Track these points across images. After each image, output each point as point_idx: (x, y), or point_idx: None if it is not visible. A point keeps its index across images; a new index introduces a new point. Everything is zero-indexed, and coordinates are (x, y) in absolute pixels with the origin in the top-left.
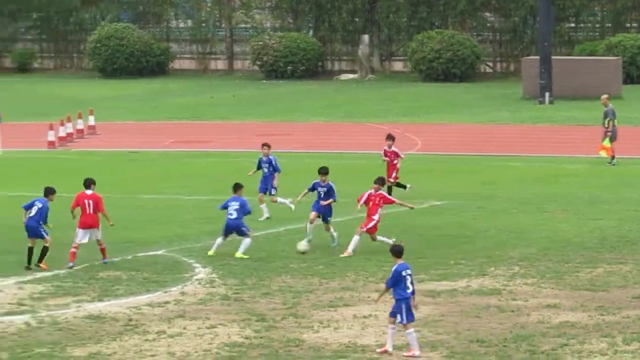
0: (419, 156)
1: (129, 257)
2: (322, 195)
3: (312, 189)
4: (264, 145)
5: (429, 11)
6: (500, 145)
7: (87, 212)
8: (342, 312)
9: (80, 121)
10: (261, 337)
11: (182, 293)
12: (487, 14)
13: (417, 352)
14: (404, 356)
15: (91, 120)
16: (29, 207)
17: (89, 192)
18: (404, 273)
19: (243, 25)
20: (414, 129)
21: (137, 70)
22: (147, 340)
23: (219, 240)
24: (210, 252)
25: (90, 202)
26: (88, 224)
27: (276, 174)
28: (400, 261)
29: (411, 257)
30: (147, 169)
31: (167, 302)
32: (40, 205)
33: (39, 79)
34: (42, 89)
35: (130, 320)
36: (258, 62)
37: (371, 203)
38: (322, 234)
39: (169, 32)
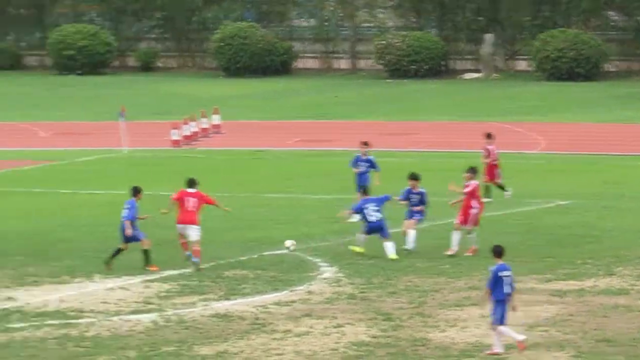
0: (543, 155)
1: (256, 256)
2: (414, 203)
3: (406, 198)
4: (363, 143)
5: (553, 10)
6: (625, 144)
7: (187, 208)
8: (468, 312)
9: (204, 120)
10: (388, 337)
11: (309, 292)
12: (611, 13)
13: (499, 350)
14: (487, 354)
15: (216, 119)
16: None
17: (192, 190)
18: (500, 274)
19: (366, 25)
20: (538, 128)
21: (261, 69)
22: (274, 339)
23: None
24: (358, 249)
25: (191, 199)
26: (187, 220)
27: (376, 174)
28: (500, 262)
29: (537, 257)
30: (271, 167)
31: (293, 301)
32: (128, 206)
33: (162, 78)
34: (165, 88)
35: (257, 318)
36: (381, 61)
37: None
38: (441, 236)
39: (292, 31)
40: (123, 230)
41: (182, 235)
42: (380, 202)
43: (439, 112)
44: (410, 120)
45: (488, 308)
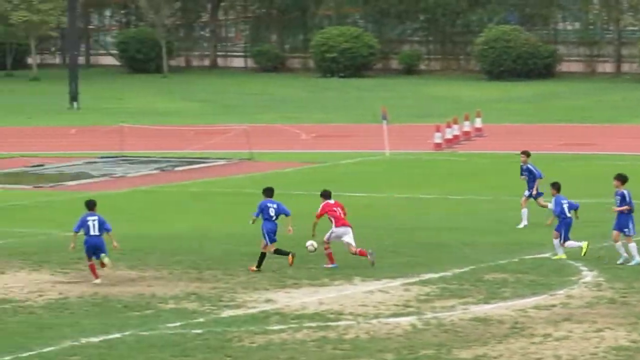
0: None
1: (516, 260)
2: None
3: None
4: (522, 153)
5: None
6: None
7: (340, 216)
8: None
9: (467, 123)
10: None
11: (569, 296)
12: None
13: None
14: None
15: (478, 122)
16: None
17: (331, 201)
18: None
19: (631, 28)
20: None
21: (524, 72)
22: (533, 343)
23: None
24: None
25: (338, 208)
26: (345, 224)
27: (537, 180)
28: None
29: None
30: None
31: (553, 305)
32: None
33: (425, 81)
34: (427, 91)
35: (517, 322)
36: None
37: None
38: None
39: (557, 34)
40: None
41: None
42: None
43: None
44: None
45: None
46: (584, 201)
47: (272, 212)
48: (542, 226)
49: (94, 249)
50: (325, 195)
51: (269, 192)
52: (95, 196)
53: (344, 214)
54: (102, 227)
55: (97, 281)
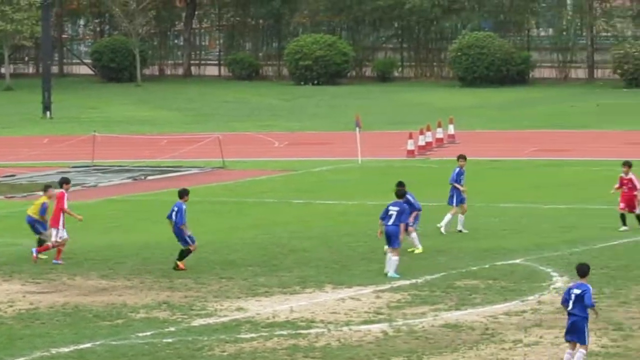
0: None
1: (487, 266)
2: None
3: None
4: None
5: None
6: None
7: None
8: None
9: (440, 130)
10: (618, 346)
11: (540, 302)
12: None
13: None
14: None
15: (451, 129)
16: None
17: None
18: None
19: (604, 34)
20: None
21: (498, 78)
22: (503, 349)
23: None
24: None
25: None
26: None
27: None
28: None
29: None
30: (506, 177)
31: (524, 311)
32: (176, 209)
33: (398, 88)
34: (401, 98)
35: (487, 329)
36: (619, 71)
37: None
38: None
39: (530, 41)
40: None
41: None
42: None
43: None
44: None
45: None
46: (557, 207)
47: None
48: (517, 232)
49: None
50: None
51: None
52: (69, 205)
53: None
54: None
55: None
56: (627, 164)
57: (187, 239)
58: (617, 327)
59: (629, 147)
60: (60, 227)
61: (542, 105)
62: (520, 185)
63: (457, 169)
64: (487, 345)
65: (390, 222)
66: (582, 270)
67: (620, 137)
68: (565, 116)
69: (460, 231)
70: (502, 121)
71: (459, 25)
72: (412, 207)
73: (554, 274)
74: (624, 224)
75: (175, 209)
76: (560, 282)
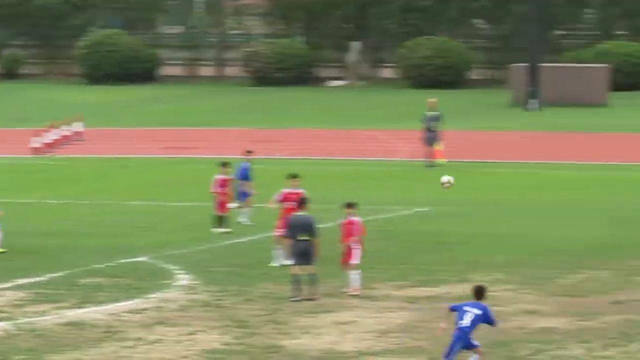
0: (407, 162)
1: (113, 264)
2: None
3: None
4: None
5: (420, 18)
6: (488, 151)
7: None
8: (322, 319)
9: (66, 127)
10: (241, 344)
11: (163, 299)
12: (478, 21)
13: None
14: None
15: (78, 126)
16: None
17: None
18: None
19: (234, 32)
20: (402, 135)
21: (126, 76)
22: (125, 346)
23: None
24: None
25: None
26: None
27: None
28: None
29: (393, 264)
30: (135, 175)
31: (146, 309)
32: None
33: (26, 85)
34: (28, 95)
35: (110, 326)
36: (248, 69)
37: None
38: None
39: (160, 38)
40: None
41: None
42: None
43: (305, 120)
44: (276, 128)
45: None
46: (184, 204)
47: None
48: (143, 230)
49: None
50: None
51: None
52: None
53: None
54: None
55: None
56: (225, 164)
57: None
58: (241, 324)
59: (252, 145)
60: None
61: (170, 104)
62: (148, 182)
63: (243, 165)
64: (109, 343)
65: None
66: (480, 293)
67: (248, 135)
68: (194, 114)
69: (240, 223)
70: (130, 119)
71: (89, 22)
72: None
73: (179, 271)
74: (222, 225)
75: None
76: (186, 279)
